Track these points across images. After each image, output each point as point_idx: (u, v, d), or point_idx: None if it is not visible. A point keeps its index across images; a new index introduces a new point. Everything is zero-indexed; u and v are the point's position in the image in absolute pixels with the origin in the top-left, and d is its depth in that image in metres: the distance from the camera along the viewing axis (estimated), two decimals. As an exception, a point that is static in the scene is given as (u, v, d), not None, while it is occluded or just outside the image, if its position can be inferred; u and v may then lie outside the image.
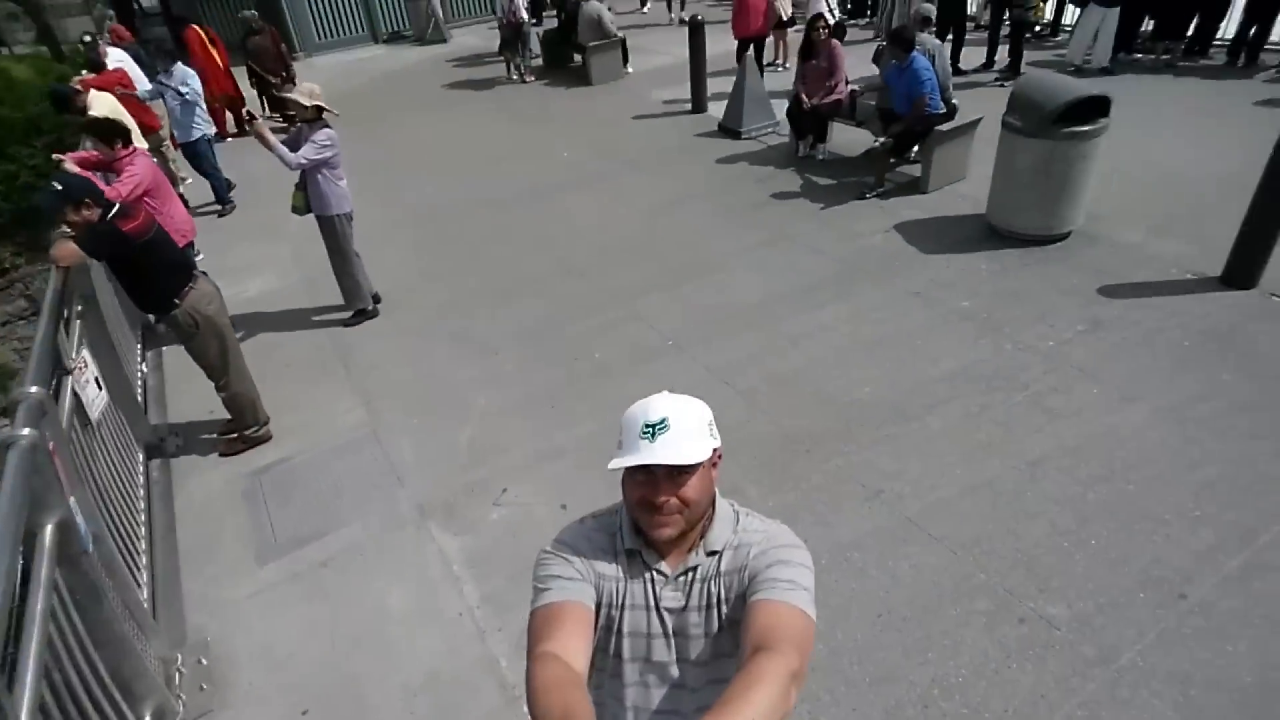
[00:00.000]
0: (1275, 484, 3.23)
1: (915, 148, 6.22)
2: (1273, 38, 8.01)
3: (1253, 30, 7.92)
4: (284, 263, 6.32)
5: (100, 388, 3.41)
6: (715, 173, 7.23)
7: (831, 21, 7.10)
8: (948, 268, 5.13)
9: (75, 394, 3.11)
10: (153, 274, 3.67)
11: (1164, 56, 8.40)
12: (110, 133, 4.61)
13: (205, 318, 3.83)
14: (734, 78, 7.97)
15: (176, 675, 2.91)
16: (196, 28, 9.52)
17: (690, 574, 1.37)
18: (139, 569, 3.22)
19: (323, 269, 5.35)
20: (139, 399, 4.48)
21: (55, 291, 3.34)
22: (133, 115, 6.46)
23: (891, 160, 6.19)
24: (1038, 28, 10.07)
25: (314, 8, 14.33)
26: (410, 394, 4.58)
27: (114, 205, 3.53)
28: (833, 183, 6.61)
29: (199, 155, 7.23)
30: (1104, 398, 3.82)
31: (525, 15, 10.99)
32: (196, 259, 5.39)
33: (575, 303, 5.34)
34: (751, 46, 8.90)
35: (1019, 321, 4.46)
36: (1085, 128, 4.78)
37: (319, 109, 4.58)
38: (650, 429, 1.26)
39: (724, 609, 1.35)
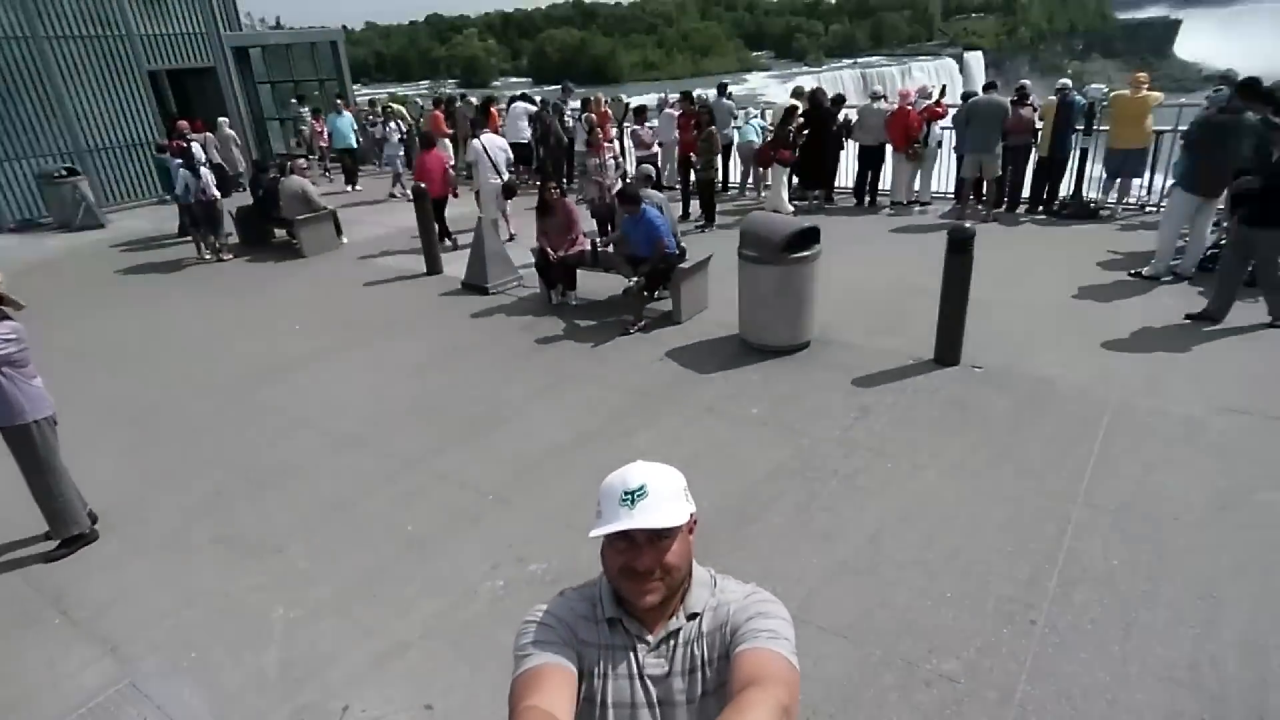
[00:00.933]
0: (1046, 513, 3.91)
1: (664, 285, 6.85)
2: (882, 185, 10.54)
3: (868, 178, 10.36)
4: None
5: None
6: (475, 327, 7.16)
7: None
8: (726, 383, 5.60)
9: None
10: None
11: (814, 200, 10.52)
12: None
13: None
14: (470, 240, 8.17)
15: None
16: None
17: (672, 639, 1.37)
18: None
19: None
20: None
21: None
22: None
23: (645, 296, 6.73)
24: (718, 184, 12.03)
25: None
26: (175, 625, 3.57)
27: None
28: (594, 323, 6.95)
29: None
30: (898, 469, 4.37)
31: (216, 193, 10.19)
32: None
33: (362, 477, 4.74)
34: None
35: (804, 419, 4.98)
36: (808, 253, 5.73)
37: None
38: (630, 496, 1.28)
39: (708, 671, 1.35)
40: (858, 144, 10.31)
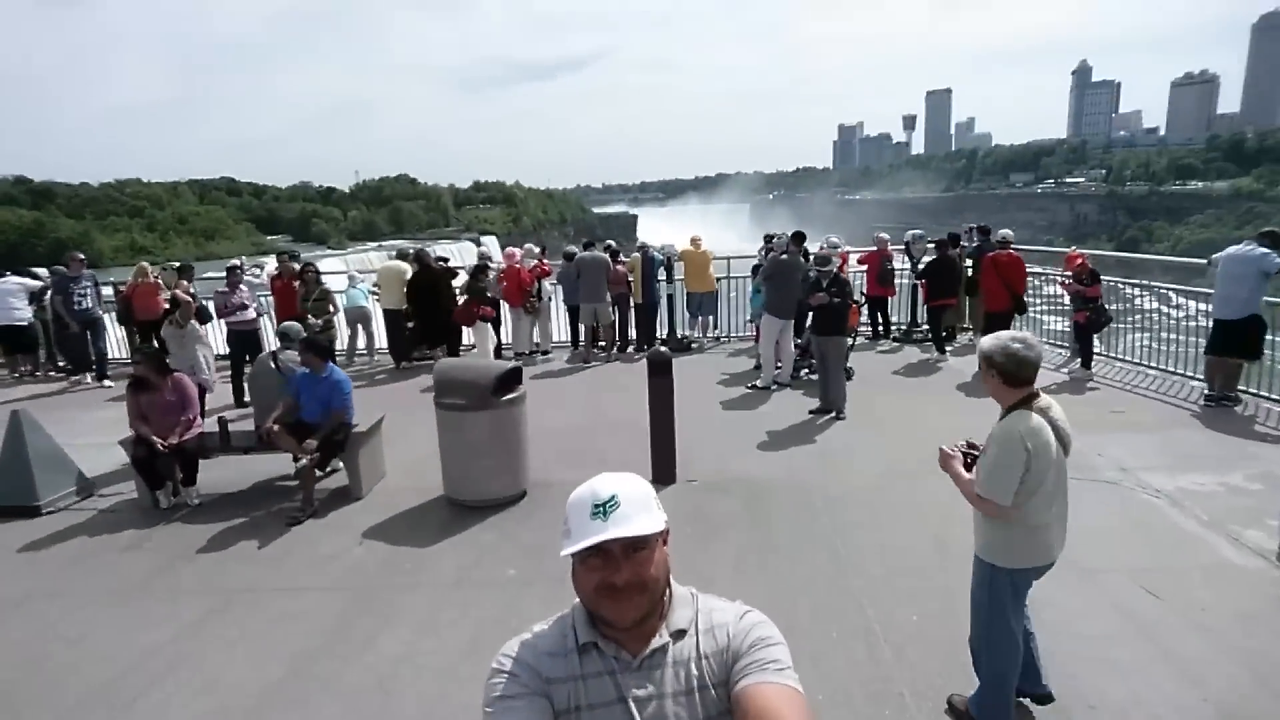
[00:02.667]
0: (838, 592, 4.15)
1: (335, 456, 5.69)
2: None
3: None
4: None
5: None
6: (40, 564, 4.86)
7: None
8: (459, 550, 4.78)
9: None
10: None
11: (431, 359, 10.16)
12: None
13: None
14: None
15: None
16: None
17: (658, 657, 1.28)
18: None
19: None
20: None
21: None
22: None
23: (316, 473, 5.48)
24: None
25: None
26: None
27: None
28: (242, 520, 5.34)
29: None
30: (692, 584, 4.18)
31: None
32: None
33: None
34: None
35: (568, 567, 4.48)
36: (515, 394, 5.41)
37: None
38: (600, 508, 1.22)
39: (713, 693, 1.27)
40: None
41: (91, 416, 8.10)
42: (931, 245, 10.37)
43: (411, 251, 10.73)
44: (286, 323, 6.50)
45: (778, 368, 8.33)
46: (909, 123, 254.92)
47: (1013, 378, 2.72)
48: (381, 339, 10.79)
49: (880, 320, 10.77)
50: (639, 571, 1.23)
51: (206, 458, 5.83)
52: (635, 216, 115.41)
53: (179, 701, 3.43)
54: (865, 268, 10.64)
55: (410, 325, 10.19)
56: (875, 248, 10.57)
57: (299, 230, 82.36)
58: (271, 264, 10.93)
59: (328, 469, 5.76)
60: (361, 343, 10.75)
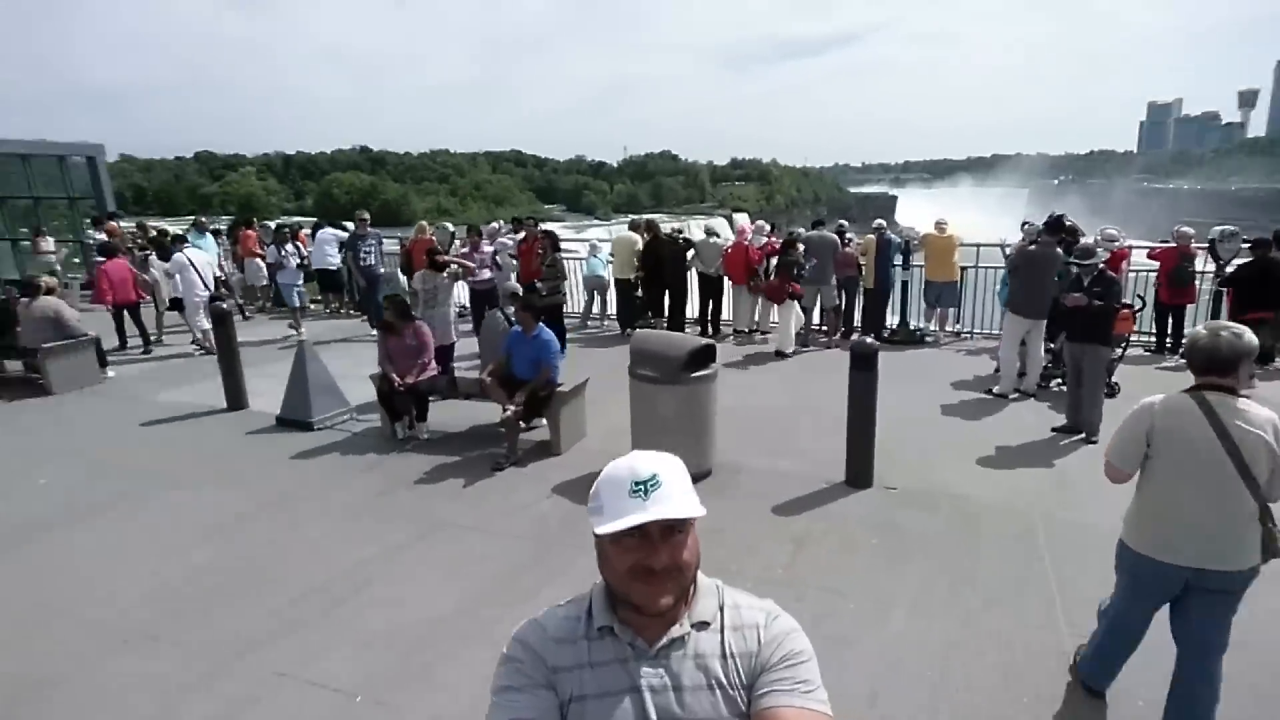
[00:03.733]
0: (1040, 647, 3.52)
1: (540, 413, 6.05)
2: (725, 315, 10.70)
3: (709, 308, 10.47)
4: None
5: None
6: (301, 471, 5.79)
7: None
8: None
9: None
10: None
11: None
12: None
13: None
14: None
15: None
16: None
17: (677, 647, 1.23)
18: None
19: None
20: None
21: None
22: None
23: (521, 425, 5.86)
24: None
25: None
26: None
27: None
28: (455, 459, 5.90)
29: None
30: (864, 611, 3.79)
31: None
32: None
33: (156, 687, 3.27)
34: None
35: (736, 556, 4.30)
36: (707, 371, 5.30)
37: None
38: (641, 486, 1.17)
39: (734, 694, 1.21)
40: (698, 275, 10.48)
41: (368, 353, 9.47)
42: (1246, 245, 8.36)
43: (643, 222, 11.00)
44: (509, 283, 6.99)
45: (1020, 374, 7.28)
46: (1247, 99, 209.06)
47: (1191, 363, 2.63)
48: (613, 306, 11.28)
49: (1169, 331, 8.93)
50: (675, 555, 1.19)
51: (437, 398, 6.51)
52: (894, 197, 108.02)
53: (370, 613, 3.86)
54: (1156, 266, 8.87)
55: (639, 294, 10.51)
56: (1174, 243, 8.75)
57: (572, 201, 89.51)
58: (497, 226, 11.89)
59: (531, 423, 6.12)
60: (596, 309, 11.34)
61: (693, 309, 10.78)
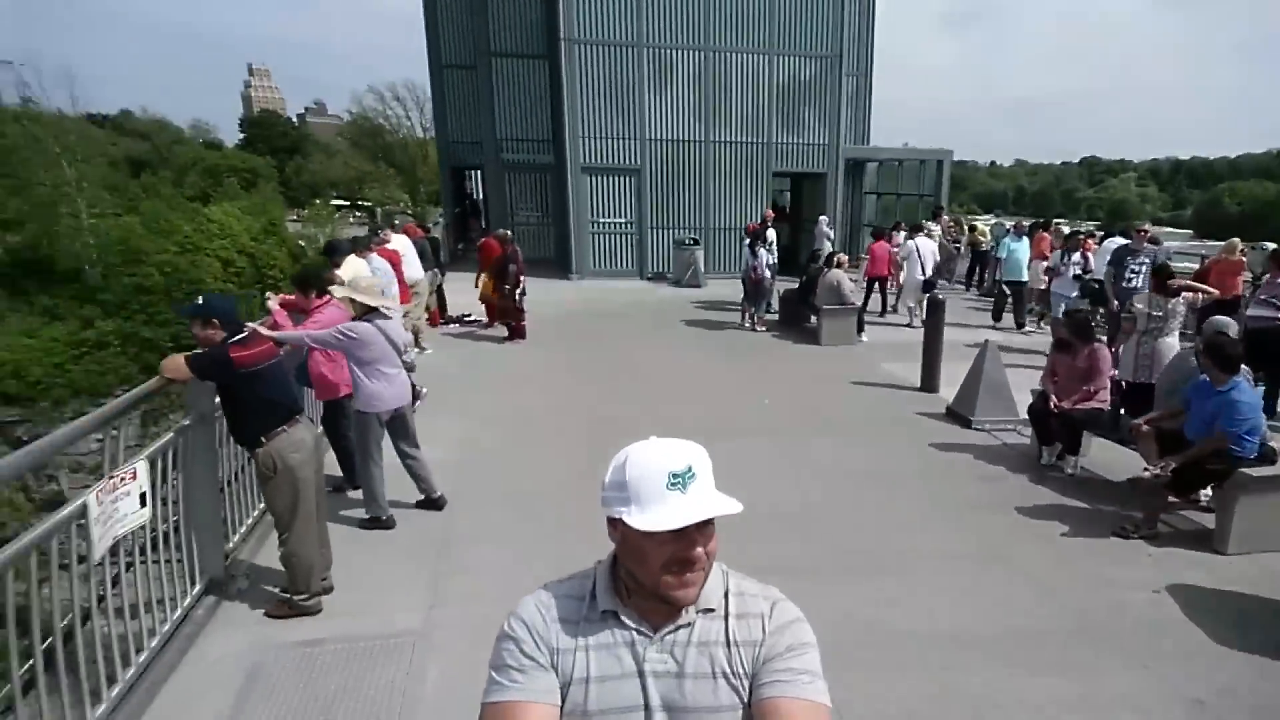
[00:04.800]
0: None
1: (1207, 490, 4.66)
2: None
3: None
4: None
5: (143, 504, 3.10)
6: (930, 458, 6.08)
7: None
8: (1254, 673, 3.39)
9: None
10: (247, 405, 3.50)
11: None
12: (304, 282, 4.87)
13: (286, 465, 3.53)
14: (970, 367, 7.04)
15: None
16: (493, 239, 10.87)
17: (682, 634, 1.21)
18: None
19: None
20: (225, 530, 4.21)
21: (125, 400, 3.28)
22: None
23: (1171, 499, 4.65)
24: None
25: (595, 245, 16.22)
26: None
27: (240, 332, 3.48)
28: (1084, 507, 5.13)
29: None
30: None
31: (767, 274, 11.22)
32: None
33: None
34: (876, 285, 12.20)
35: None
36: None
37: (368, 306, 4.47)
38: (679, 479, 1.14)
39: (736, 683, 1.19)
40: None
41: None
42: None
43: None
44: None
45: None
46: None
47: None
48: None
49: None
50: (709, 547, 1.19)
51: (1098, 433, 5.65)
52: None
53: (878, 611, 4.07)
54: None
55: None
56: None
57: None
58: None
59: (1190, 497, 4.71)
60: None
61: None
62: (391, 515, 4.71)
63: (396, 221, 11.95)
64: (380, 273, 7.17)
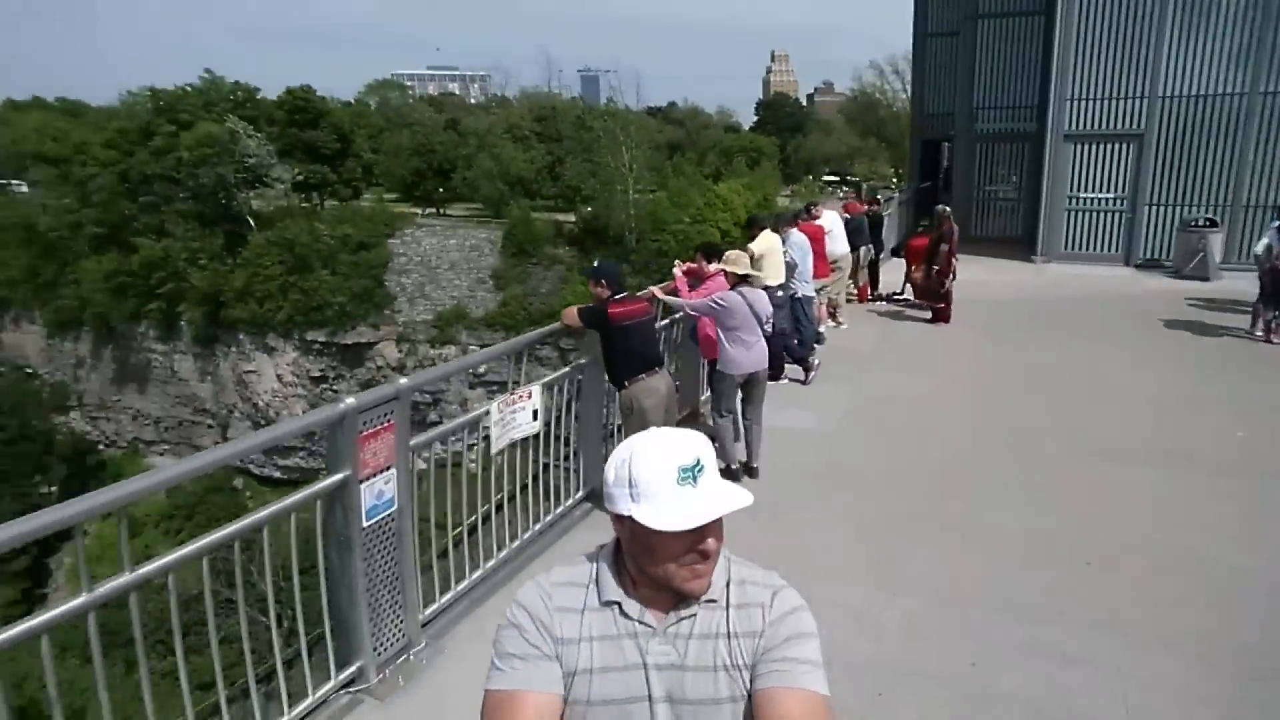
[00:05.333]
0: None
1: None
2: None
3: None
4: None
5: (535, 418, 4.03)
6: None
7: None
8: None
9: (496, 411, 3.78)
10: (617, 353, 4.35)
11: None
12: (708, 252, 5.52)
13: (640, 407, 4.30)
14: None
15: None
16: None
17: (685, 626, 1.21)
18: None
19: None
20: (605, 451, 4.70)
21: (534, 335, 4.46)
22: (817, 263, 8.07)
23: None
24: None
25: (1071, 221, 14.15)
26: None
27: (622, 291, 4.37)
28: None
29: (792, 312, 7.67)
30: None
31: (1298, 265, 8.45)
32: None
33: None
34: None
35: None
36: None
37: (740, 276, 4.97)
38: (689, 472, 1.15)
39: (738, 675, 1.19)
40: None
41: None
42: None
43: None
44: None
45: None
46: None
47: None
48: None
49: None
50: (720, 538, 1.19)
51: None
52: None
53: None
54: None
55: None
56: None
57: None
58: None
59: None
60: None
61: None
62: (739, 467, 5.14)
63: (841, 195, 12.32)
64: (796, 247, 7.63)
